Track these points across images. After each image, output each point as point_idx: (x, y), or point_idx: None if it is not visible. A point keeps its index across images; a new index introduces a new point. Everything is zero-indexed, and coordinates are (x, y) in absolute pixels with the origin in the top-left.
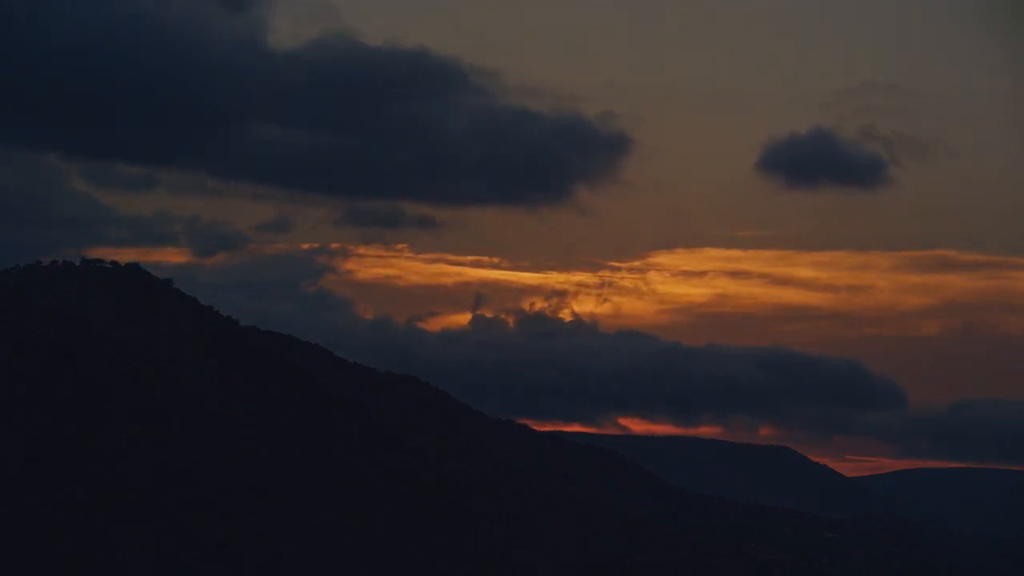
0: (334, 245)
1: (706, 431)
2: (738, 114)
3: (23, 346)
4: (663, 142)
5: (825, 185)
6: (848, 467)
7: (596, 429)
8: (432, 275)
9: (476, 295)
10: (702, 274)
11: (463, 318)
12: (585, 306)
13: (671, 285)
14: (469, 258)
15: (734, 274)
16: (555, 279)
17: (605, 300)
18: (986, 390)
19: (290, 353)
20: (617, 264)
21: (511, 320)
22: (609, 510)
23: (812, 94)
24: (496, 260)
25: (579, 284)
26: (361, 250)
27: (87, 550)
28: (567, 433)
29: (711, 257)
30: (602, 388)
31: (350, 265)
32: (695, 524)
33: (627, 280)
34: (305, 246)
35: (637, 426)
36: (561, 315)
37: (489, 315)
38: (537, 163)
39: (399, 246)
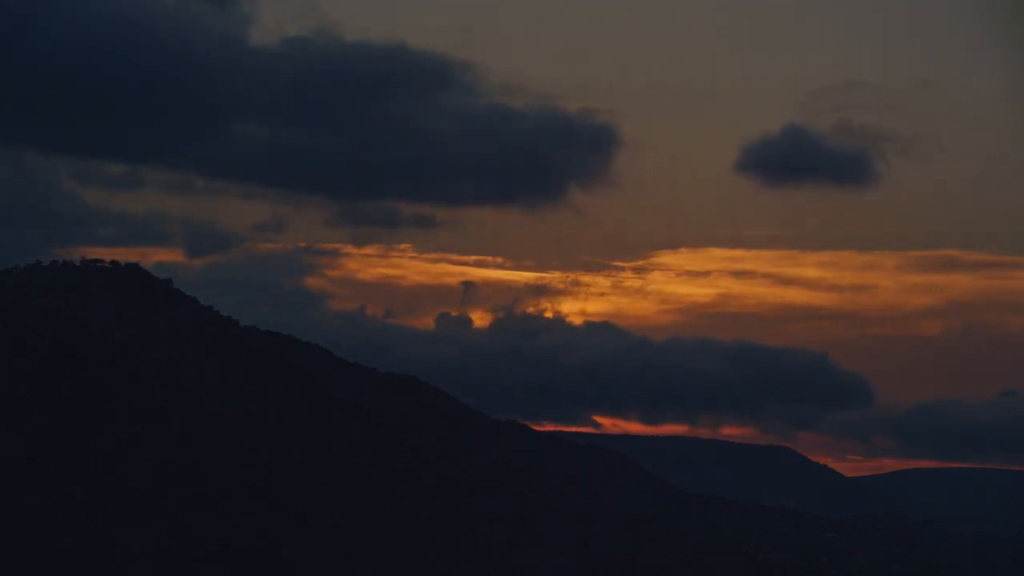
0: (326, 245)
1: (706, 431)
2: (738, 113)
3: (23, 346)
4: (664, 141)
5: (828, 184)
6: (848, 467)
7: (594, 429)
8: (436, 275)
9: (464, 284)
10: (706, 274)
11: (460, 317)
12: (587, 306)
13: (675, 285)
14: (472, 258)
15: (738, 274)
16: (559, 279)
17: (584, 297)
18: (985, 390)
19: (290, 353)
20: (621, 264)
21: (511, 319)
22: (609, 510)
23: (812, 92)
24: (500, 260)
25: (581, 284)
26: (350, 249)
27: (87, 550)
28: (567, 433)
29: (715, 257)
30: (603, 388)
31: (340, 264)
32: (695, 524)
33: (631, 280)
34: (298, 245)
35: (634, 426)
36: (561, 315)
37: (486, 314)
38: (538, 163)
39: (402, 246)
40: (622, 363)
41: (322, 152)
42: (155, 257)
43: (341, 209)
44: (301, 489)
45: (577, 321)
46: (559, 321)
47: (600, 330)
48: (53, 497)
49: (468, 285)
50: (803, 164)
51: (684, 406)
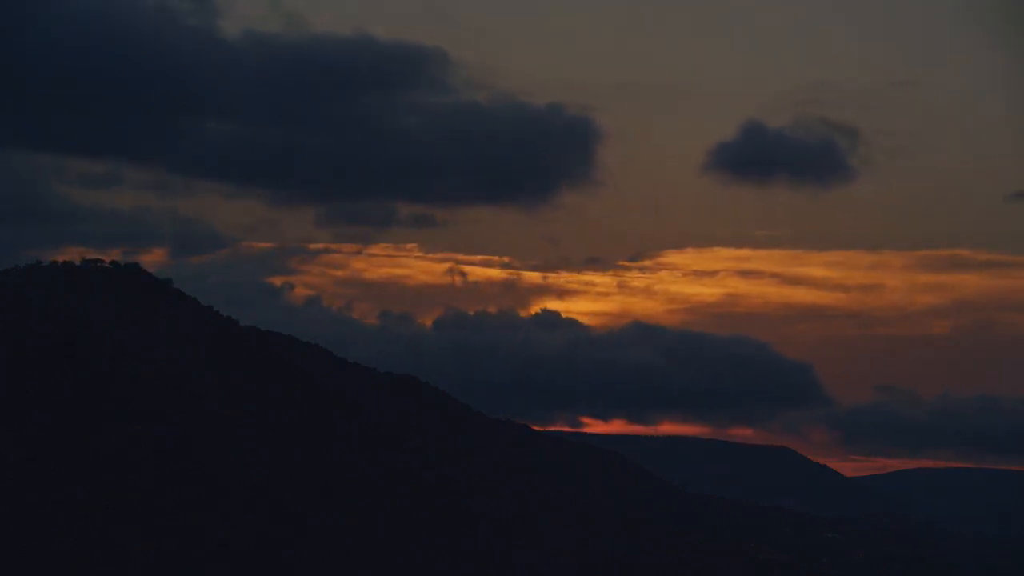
0: (310, 245)
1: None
2: (741, 112)
3: (23, 346)
4: (661, 140)
5: (832, 184)
6: (849, 467)
7: (595, 430)
8: (440, 274)
9: (451, 272)
10: (713, 273)
11: (457, 316)
12: (593, 305)
13: (682, 284)
14: (478, 257)
15: (745, 273)
16: (565, 279)
17: (559, 299)
18: (986, 389)
19: (290, 353)
20: (627, 264)
21: (513, 318)
22: (609, 510)
23: (810, 90)
24: (506, 260)
25: (587, 283)
26: (333, 248)
27: (87, 550)
28: (567, 433)
29: (722, 257)
30: (605, 388)
31: (319, 262)
32: (695, 524)
33: (637, 280)
34: (286, 246)
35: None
36: (567, 314)
37: (484, 313)
38: (539, 163)
39: (408, 246)
40: (643, 365)
41: (305, 151)
42: (139, 258)
43: (327, 209)
44: (301, 489)
45: (592, 321)
46: (566, 322)
47: (625, 333)
48: (53, 497)
49: (459, 276)
50: (808, 164)
51: (679, 404)
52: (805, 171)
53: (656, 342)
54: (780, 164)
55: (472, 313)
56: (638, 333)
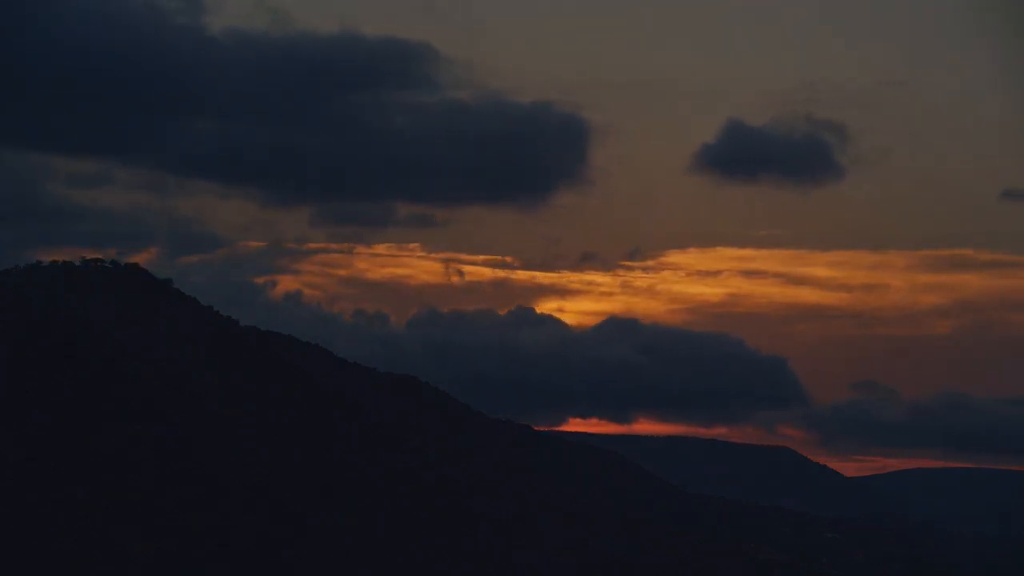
0: (311, 245)
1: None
2: (738, 111)
3: (23, 346)
4: (665, 140)
5: (834, 183)
6: (849, 467)
7: (591, 428)
8: (442, 274)
9: (449, 272)
10: (716, 273)
11: (451, 314)
12: (595, 305)
13: (685, 284)
14: (480, 257)
15: (748, 273)
16: (568, 278)
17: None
18: (987, 389)
19: (290, 353)
20: (630, 264)
21: (514, 318)
22: (609, 510)
23: (812, 89)
24: (509, 259)
25: (591, 283)
26: (335, 246)
27: (87, 550)
28: (567, 433)
29: (725, 256)
30: (602, 388)
31: (316, 264)
32: (695, 524)
33: (640, 280)
34: (283, 246)
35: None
36: (569, 314)
37: (483, 311)
38: (537, 162)
39: (411, 246)
40: (647, 365)
41: (299, 150)
42: (134, 258)
43: (322, 209)
44: (301, 489)
45: (593, 321)
46: (570, 320)
47: (625, 333)
48: (53, 497)
49: (456, 276)
50: (811, 163)
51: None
52: (802, 171)
53: (643, 341)
54: (776, 163)
55: (468, 311)
56: (619, 331)
